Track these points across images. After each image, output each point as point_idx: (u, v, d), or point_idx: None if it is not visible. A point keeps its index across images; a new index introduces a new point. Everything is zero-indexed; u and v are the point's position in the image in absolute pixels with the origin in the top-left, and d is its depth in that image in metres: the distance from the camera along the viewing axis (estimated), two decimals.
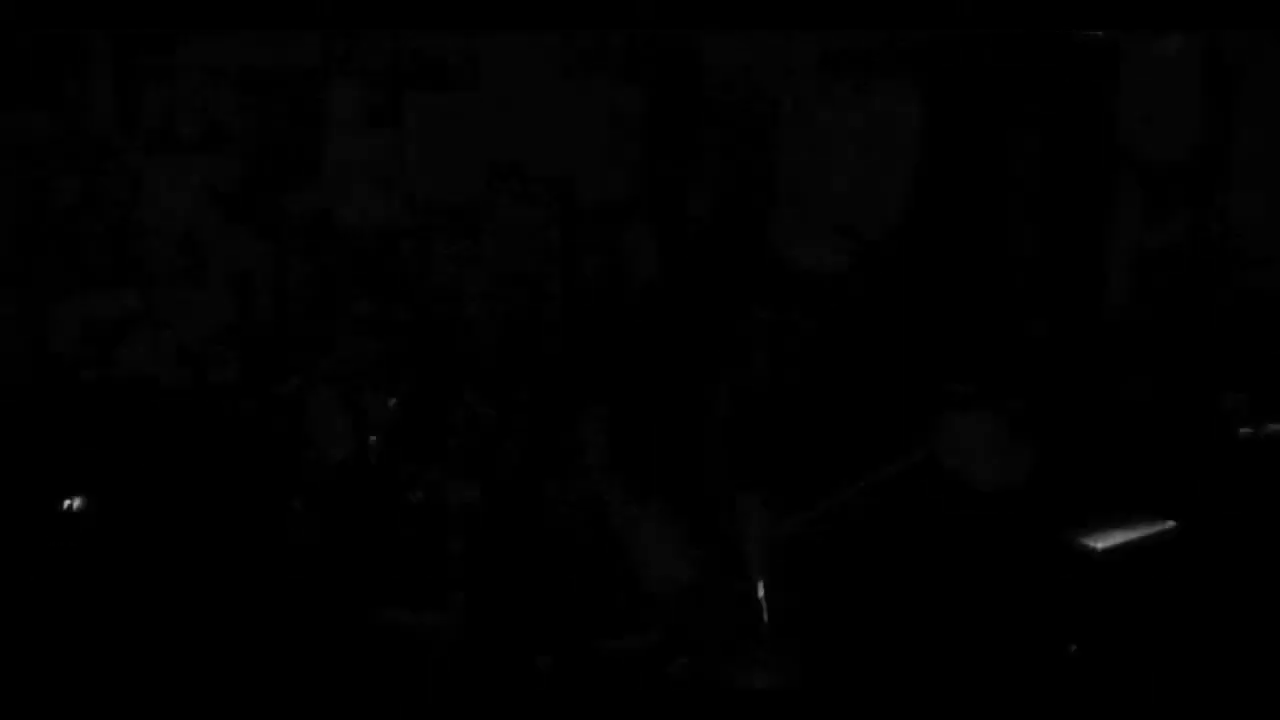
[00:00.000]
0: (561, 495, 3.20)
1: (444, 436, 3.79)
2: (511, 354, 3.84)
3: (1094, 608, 2.85)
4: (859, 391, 2.05)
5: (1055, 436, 2.05)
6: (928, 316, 2.43)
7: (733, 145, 4.34)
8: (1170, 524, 2.95)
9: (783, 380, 2.07)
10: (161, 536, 3.42)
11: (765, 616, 1.64)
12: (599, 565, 2.47)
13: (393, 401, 3.87)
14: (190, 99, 4.02)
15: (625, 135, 4.50)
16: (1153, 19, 3.15)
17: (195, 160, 4.03)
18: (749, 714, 1.61)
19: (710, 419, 1.72)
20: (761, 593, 1.63)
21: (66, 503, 3.37)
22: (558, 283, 4.10)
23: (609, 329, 3.50)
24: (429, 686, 3.20)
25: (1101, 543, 2.84)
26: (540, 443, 3.35)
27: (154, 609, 3.27)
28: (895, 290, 2.34)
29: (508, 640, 3.17)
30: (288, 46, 4.11)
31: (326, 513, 3.69)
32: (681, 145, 4.47)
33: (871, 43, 3.97)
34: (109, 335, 3.97)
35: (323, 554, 3.44)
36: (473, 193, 4.32)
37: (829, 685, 1.81)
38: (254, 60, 4.08)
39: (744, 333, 2.13)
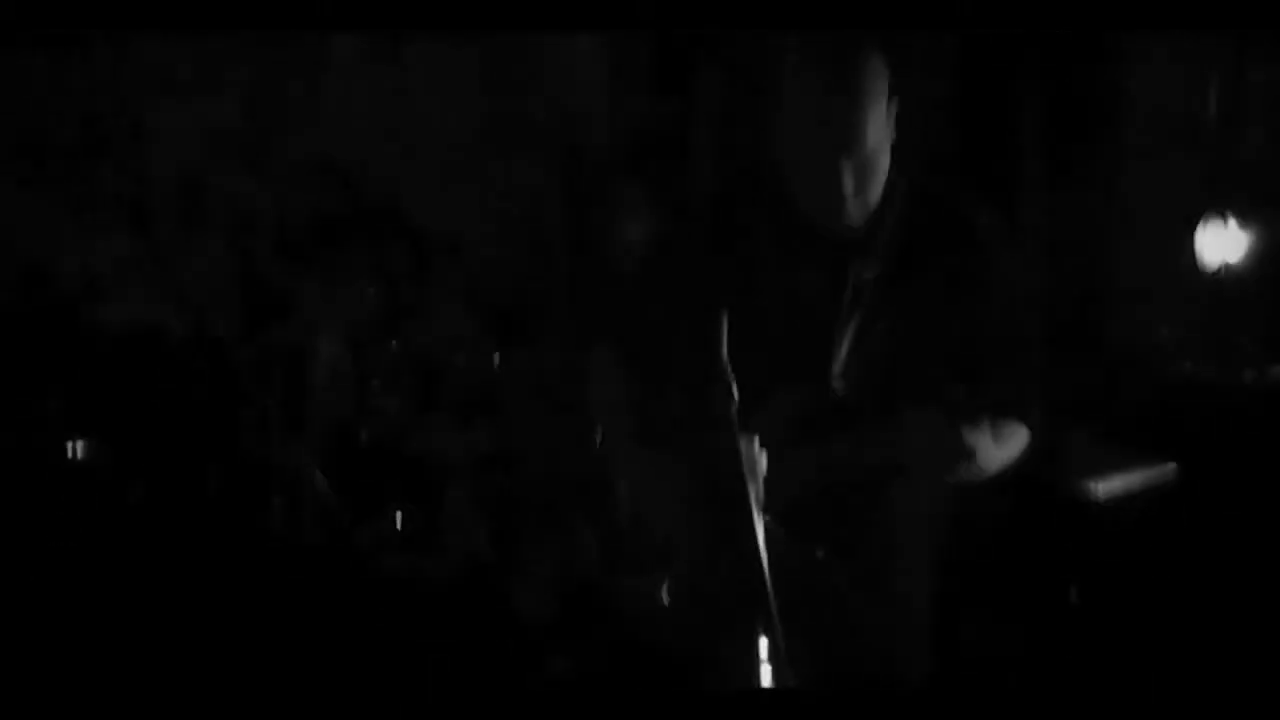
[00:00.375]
0: (565, 438, 3.20)
1: (446, 381, 3.79)
2: (511, 296, 3.84)
3: (1095, 552, 2.86)
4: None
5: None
6: None
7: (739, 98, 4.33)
8: (1170, 465, 2.94)
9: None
10: (163, 483, 3.42)
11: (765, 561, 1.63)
12: (607, 510, 2.46)
13: (394, 344, 3.86)
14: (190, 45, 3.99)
15: (628, 85, 4.49)
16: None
17: (196, 104, 4.00)
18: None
19: (714, 360, 1.70)
20: (762, 537, 1.63)
21: (70, 445, 3.37)
22: (560, 229, 4.10)
23: (613, 276, 3.49)
24: (429, 634, 3.20)
25: (1101, 487, 2.84)
26: (542, 388, 3.35)
27: (155, 556, 3.28)
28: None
29: (509, 585, 3.18)
30: None
31: (328, 460, 3.69)
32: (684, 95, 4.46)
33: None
34: (109, 279, 3.96)
35: (324, 502, 3.44)
36: (473, 140, 4.31)
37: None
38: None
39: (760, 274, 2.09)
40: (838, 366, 2.01)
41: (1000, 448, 1.95)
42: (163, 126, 3.99)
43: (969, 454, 1.87)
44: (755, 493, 1.74)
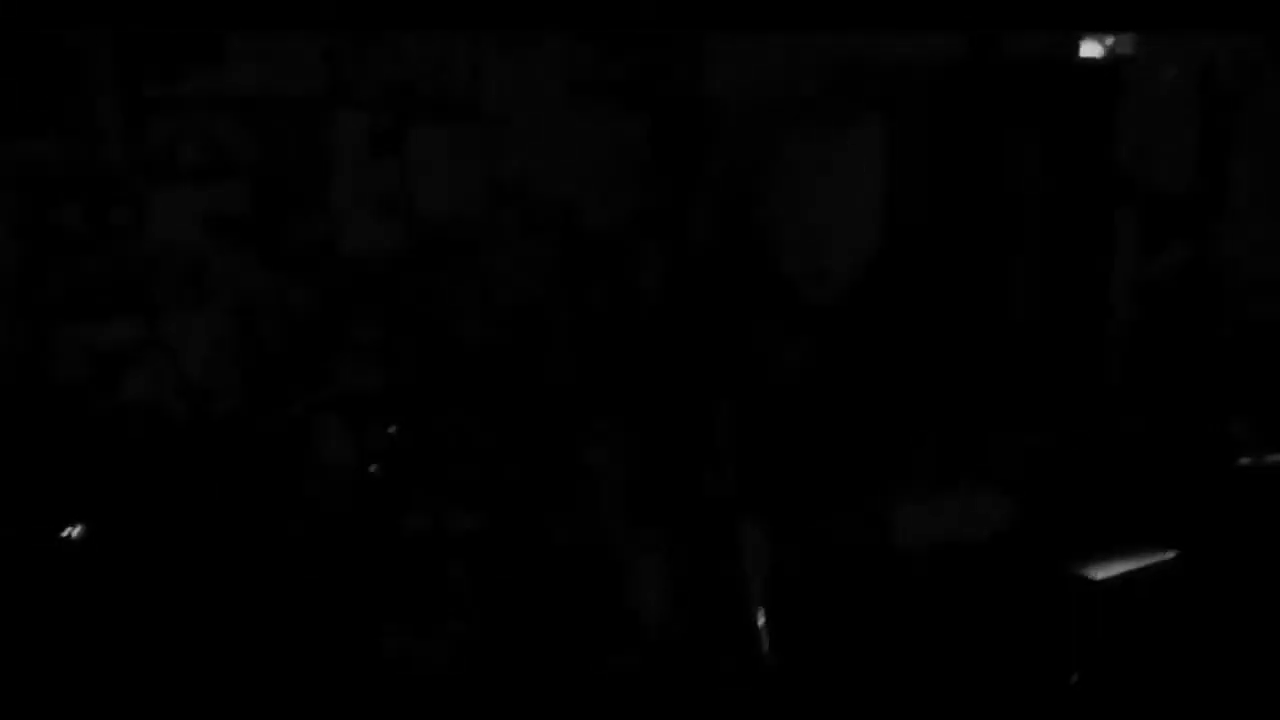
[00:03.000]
0: (563, 522, 3.21)
1: (445, 463, 3.80)
2: (513, 379, 3.86)
3: (1095, 637, 2.86)
4: (854, 417, 2.06)
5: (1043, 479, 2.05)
6: (922, 346, 2.43)
7: (733, 173, 4.39)
8: (1170, 554, 2.96)
9: (783, 400, 2.08)
10: (164, 565, 3.42)
11: (766, 648, 1.64)
12: (599, 591, 2.48)
13: (393, 429, 3.88)
14: (195, 128, 4.05)
15: (629, 161, 4.54)
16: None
17: (200, 189, 4.05)
18: None
19: (713, 442, 1.74)
20: (762, 622, 1.64)
21: (66, 531, 3.38)
22: (563, 307, 4.13)
23: (614, 353, 3.52)
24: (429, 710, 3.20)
25: (1101, 573, 2.85)
26: (542, 469, 3.36)
27: (154, 638, 3.28)
28: (891, 317, 2.34)
29: (507, 664, 3.17)
30: (292, 76, 4.14)
31: (329, 540, 3.69)
32: (683, 171, 4.51)
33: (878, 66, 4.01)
34: (114, 364, 3.98)
35: (326, 581, 3.45)
36: (477, 220, 4.36)
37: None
38: (259, 90, 4.10)
39: (751, 349, 2.14)
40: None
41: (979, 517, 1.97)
42: (167, 208, 4.03)
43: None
44: (755, 576, 1.76)
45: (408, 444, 3.77)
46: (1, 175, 3.89)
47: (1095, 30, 3.78)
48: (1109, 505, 2.99)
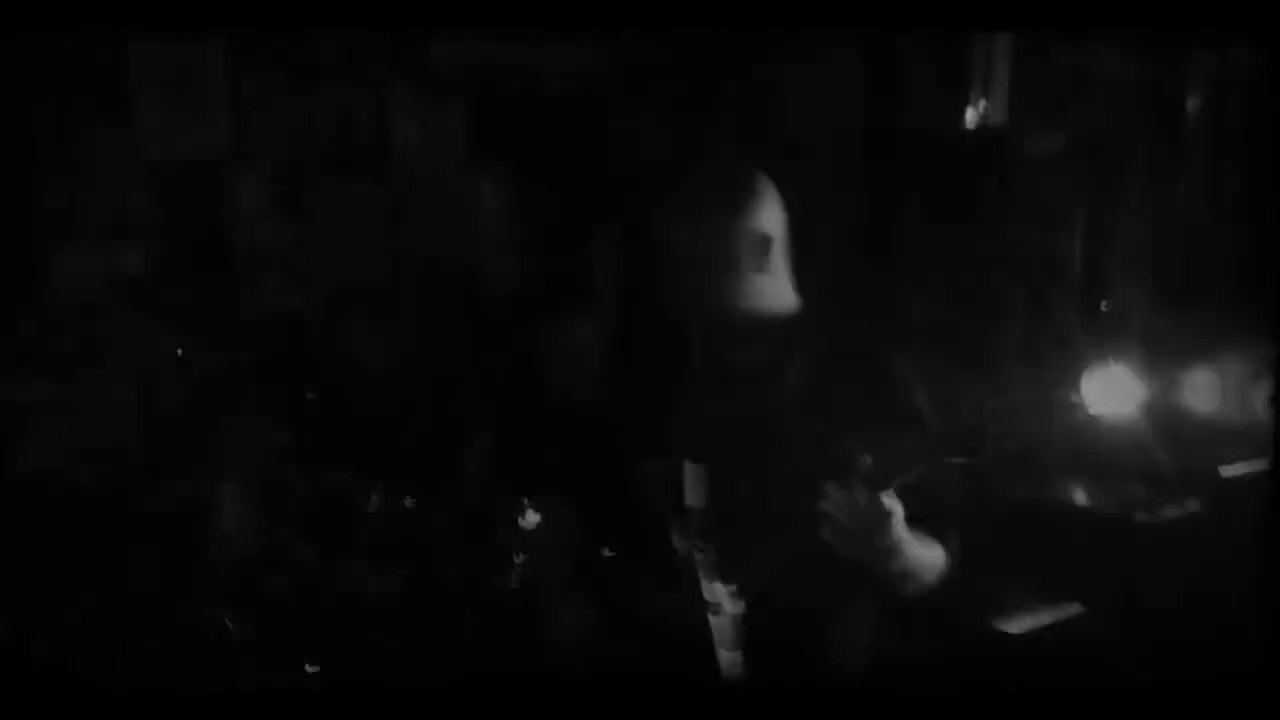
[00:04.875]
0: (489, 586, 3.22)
1: (359, 528, 3.77)
2: (432, 446, 3.86)
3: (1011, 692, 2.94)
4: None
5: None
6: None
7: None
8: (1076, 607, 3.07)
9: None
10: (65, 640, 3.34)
11: None
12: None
13: (301, 493, 3.84)
14: (98, 190, 3.99)
15: (533, 227, 4.60)
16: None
17: (102, 250, 3.98)
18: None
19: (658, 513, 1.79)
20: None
21: None
22: (472, 374, 4.15)
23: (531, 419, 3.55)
24: None
25: (1017, 627, 2.95)
26: (465, 535, 3.37)
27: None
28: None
29: None
30: (197, 138, 4.11)
31: (239, 609, 3.63)
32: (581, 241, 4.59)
33: None
34: (10, 428, 3.87)
35: (239, 650, 3.39)
36: (381, 284, 4.36)
37: None
38: (163, 153, 4.07)
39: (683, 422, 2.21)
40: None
41: (919, 546, 2.04)
42: (68, 270, 3.96)
43: (884, 522, 1.94)
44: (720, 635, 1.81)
45: (319, 508, 3.73)
46: None
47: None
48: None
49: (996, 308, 4.06)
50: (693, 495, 2.03)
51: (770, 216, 2.22)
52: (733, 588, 1.98)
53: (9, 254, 3.91)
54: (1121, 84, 4.34)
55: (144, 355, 4.03)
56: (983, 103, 4.39)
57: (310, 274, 4.26)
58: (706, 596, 1.92)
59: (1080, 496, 3.43)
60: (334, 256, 4.29)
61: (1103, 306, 4.06)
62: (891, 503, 1.95)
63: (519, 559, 3.18)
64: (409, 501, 3.66)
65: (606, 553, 2.42)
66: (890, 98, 4.33)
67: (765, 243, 2.18)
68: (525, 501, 3.29)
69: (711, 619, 1.88)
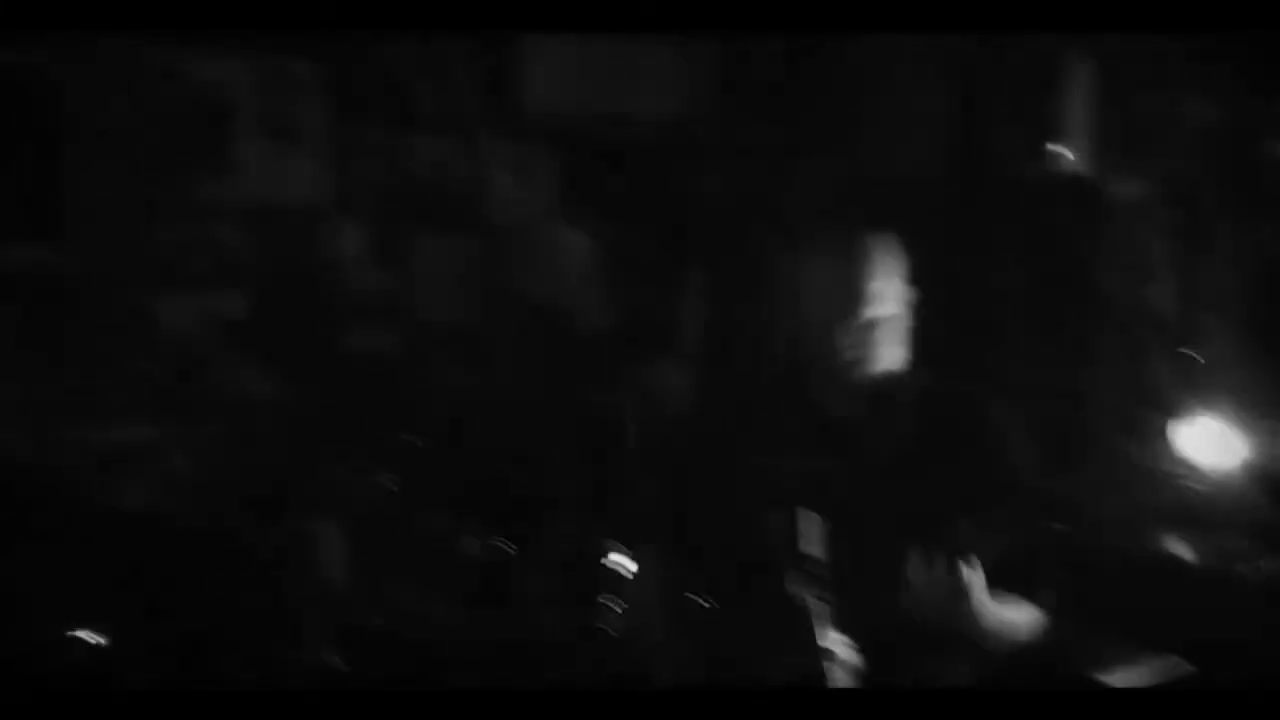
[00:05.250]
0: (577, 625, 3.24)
1: (455, 570, 3.81)
2: (528, 487, 3.90)
3: None
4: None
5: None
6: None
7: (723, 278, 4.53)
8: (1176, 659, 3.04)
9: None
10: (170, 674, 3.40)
11: None
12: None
13: (403, 533, 3.89)
14: (200, 235, 4.10)
15: (620, 268, 4.66)
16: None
17: (205, 295, 4.09)
18: None
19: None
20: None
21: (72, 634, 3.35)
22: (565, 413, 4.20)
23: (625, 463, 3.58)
24: None
25: (1112, 677, 2.93)
26: (560, 577, 3.40)
27: None
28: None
29: None
30: (293, 186, 4.22)
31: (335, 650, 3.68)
32: (670, 283, 4.64)
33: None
34: (117, 467, 3.97)
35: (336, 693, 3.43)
36: (476, 327, 4.44)
37: None
38: (263, 199, 4.17)
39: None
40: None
41: (1004, 609, 2.05)
42: (172, 315, 4.07)
43: (962, 593, 1.96)
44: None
45: (418, 549, 3.79)
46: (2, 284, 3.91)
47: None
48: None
49: (1089, 357, 4.06)
50: (810, 543, 2.06)
51: (887, 269, 2.24)
52: (848, 638, 2.01)
53: (114, 297, 4.03)
54: (1208, 128, 4.33)
55: (244, 396, 4.13)
56: (1070, 150, 4.41)
57: (406, 317, 4.34)
58: (821, 644, 1.95)
59: (1180, 550, 3.41)
60: (429, 300, 4.38)
61: (1195, 358, 4.04)
62: (972, 574, 1.97)
63: (613, 605, 3.21)
64: (505, 546, 3.70)
65: (703, 602, 2.44)
66: (983, 145, 4.34)
67: (882, 296, 2.20)
68: (619, 547, 3.32)
69: (827, 667, 1.90)
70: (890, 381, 2.29)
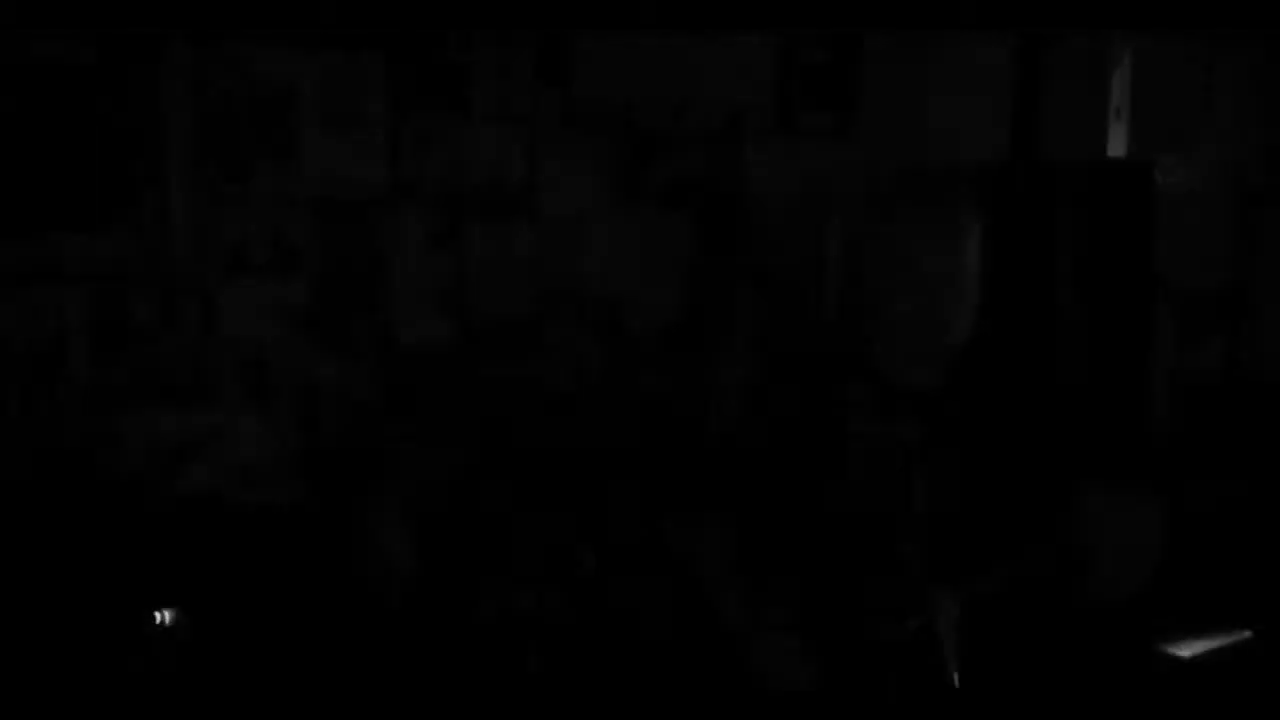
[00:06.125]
0: (644, 603, 3.27)
1: (511, 550, 3.85)
2: (585, 468, 3.94)
3: (1181, 715, 2.94)
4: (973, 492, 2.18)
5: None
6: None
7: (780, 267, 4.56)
8: (1247, 633, 3.05)
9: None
10: (250, 654, 3.46)
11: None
12: (701, 671, 2.54)
13: (459, 517, 3.93)
14: (263, 224, 4.16)
15: (675, 259, 4.69)
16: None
17: (267, 284, 4.15)
18: None
19: (908, 512, 1.85)
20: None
21: (158, 617, 3.41)
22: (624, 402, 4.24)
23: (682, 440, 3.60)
24: None
25: (1187, 650, 2.94)
26: (620, 553, 3.43)
27: None
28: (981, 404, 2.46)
29: None
30: (356, 175, 4.27)
31: (395, 632, 3.73)
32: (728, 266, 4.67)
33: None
34: (177, 454, 4.04)
35: (397, 675, 3.48)
36: (529, 316, 4.48)
37: None
38: (324, 188, 4.23)
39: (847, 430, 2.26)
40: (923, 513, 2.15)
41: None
42: (233, 303, 4.13)
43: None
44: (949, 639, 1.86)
45: (474, 530, 3.83)
46: (69, 270, 3.97)
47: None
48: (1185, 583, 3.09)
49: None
50: (919, 500, 2.09)
51: (973, 249, 2.26)
52: (951, 592, 2.03)
53: (179, 283, 4.10)
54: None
55: (304, 383, 4.19)
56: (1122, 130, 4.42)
57: (466, 307, 4.40)
58: (927, 598, 1.97)
59: None
60: (488, 290, 4.43)
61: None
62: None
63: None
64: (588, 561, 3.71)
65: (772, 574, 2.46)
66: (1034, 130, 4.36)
67: (970, 276, 2.22)
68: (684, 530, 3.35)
69: (932, 620, 1.93)
70: (962, 351, 2.31)
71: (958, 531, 2.14)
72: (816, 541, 2.30)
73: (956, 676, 1.76)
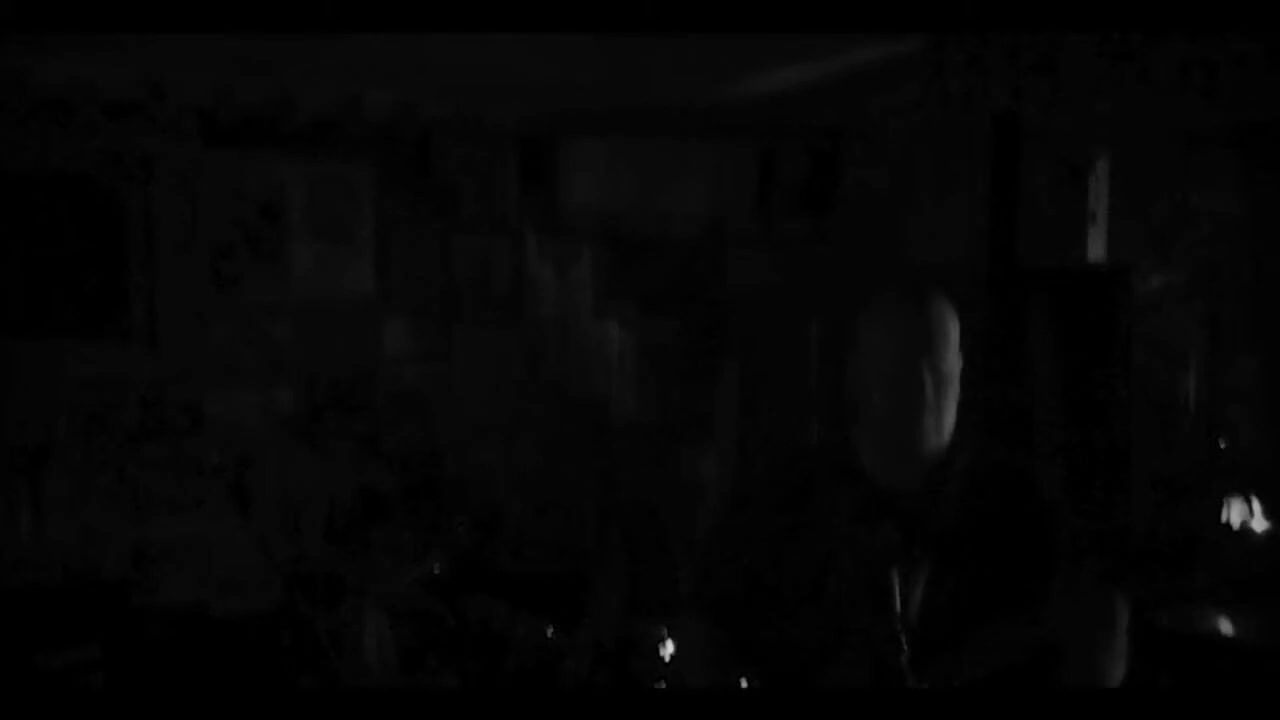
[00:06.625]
0: None
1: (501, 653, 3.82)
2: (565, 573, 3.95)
3: None
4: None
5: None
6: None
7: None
8: None
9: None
10: None
11: None
12: None
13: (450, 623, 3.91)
14: (251, 332, 4.20)
15: (656, 359, 4.74)
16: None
17: (254, 390, 4.18)
18: None
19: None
20: None
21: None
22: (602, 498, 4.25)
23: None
24: None
25: None
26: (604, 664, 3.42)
27: None
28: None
29: None
30: (343, 283, 4.32)
31: None
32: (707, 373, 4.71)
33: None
34: (159, 561, 4.03)
35: None
36: (515, 414, 4.51)
37: None
38: (312, 296, 4.28)
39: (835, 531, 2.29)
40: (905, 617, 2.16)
41: None
42: (219, 411, 4.15)
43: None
44: None
45: (464, 637, 3.80)
46: (58, 375, 4.00)
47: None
48: None
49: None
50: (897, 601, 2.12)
51: (954, 347, 2.28)
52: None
53: (168, 393, 4.12)
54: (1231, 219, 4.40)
55: (289, 488, 4.20)
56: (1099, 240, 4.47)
57: (452, 410, 4.42)
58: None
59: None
60: (473, 393, 4.46)
61: (1220, 444, 4.08)
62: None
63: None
64: (550, 632, 3.71)
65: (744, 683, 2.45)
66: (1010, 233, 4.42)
67: (950, 375, 2.24)
68: (664, 631, 3.33)
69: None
70: (943, 453, 2.32)
71: (937, 634, 2.16)
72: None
73: None
